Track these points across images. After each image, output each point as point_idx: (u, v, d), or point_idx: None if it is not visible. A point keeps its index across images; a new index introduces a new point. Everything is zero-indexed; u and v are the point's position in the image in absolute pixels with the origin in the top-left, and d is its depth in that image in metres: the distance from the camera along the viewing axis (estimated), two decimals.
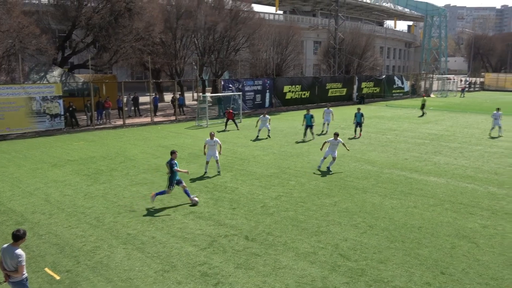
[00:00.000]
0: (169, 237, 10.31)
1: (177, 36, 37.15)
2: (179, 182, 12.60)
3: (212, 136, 15.84)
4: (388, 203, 12.70)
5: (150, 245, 9.86)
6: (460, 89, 62.76)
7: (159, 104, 36.02)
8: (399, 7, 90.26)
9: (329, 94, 43.82)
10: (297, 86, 40.23)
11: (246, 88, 35.48)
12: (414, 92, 56.35)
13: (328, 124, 26.34)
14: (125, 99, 31.63)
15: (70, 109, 27.26)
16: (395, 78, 54.65)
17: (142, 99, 34.95)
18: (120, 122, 29.55)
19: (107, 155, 19.60)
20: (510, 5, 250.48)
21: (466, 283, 8.24)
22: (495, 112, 25.63)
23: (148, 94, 32.03)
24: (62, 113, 26.17)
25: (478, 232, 10.61)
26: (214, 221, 11.34)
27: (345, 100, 45.56)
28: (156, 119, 31.11)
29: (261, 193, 13.74)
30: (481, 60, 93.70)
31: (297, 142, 22.73)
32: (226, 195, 13.53)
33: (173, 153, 12.67)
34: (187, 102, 39.84)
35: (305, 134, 23.73)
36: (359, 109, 25.30)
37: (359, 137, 24.10)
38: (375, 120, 31.90)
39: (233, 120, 27.33)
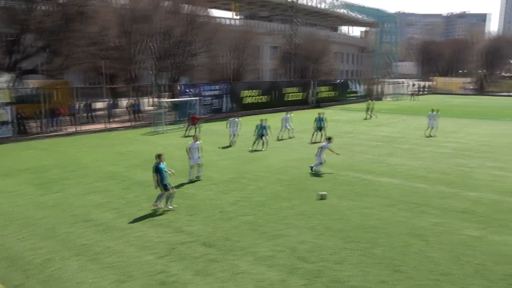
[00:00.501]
0: (126, 246, 10.05)
1: (133, 40, 36.44)
2: (165, 186, 12.41)
3: (329, 139, 16.92)
4: (344, 205, 12.96)
5: (105, 255, 9.58)
6: (410, 93, 65.12)
7: (114, 110, 35.15)
8: (352, 13, 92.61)
9: (287, 99, 44.34)
10: (255, 90, 40.47)
11: (204, 93, 35.31)
12: (368, 96, 57.98)
13: (290, 130, 26.02)
14: (78, 105, 30.65)
15: (18, 116, 26.11)
16: (350, 82, 56.08)
17: (96, 105, 33.97)
18: (72, 129, 28.57)
19: (60, 163, 18.92)
20: (455, 13, 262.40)
21: (418, 279, 8.50)
22: (430, 113, 27.09)
23: (103, 100, 31.21)
24: (10, 120, 25.05)
25: (429, 230, 11.01)
26: (172, 228, 11.18)
27: (302, 104, 46.24)
28: (111, 126, 30.36)
29: (220, 199, 13.68)
30: (430, 64, 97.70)
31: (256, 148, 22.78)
32: (184, 202, 13.37)
33: (159, 156, 12.49)
34: (143, 108, 39.07)
35: (254, 142, 22.29)
36: (319, 113, 25.31)
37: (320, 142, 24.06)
38: (331, 124, 32.35)
39: (195, 126, 26.97)
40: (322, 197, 13.01)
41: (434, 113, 26.93)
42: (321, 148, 16.95)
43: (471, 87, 77.07)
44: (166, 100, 33.45)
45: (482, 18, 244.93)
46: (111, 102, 33.92)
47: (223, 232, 10.88)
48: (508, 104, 52.96)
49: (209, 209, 12.71)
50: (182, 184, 15.36)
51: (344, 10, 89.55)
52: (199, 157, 15.76)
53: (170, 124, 30.71)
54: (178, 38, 38.28)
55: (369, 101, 38.49)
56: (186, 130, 27.30)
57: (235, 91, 38.36)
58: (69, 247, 9.99)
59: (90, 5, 30.05)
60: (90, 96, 34.12)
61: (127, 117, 33.40)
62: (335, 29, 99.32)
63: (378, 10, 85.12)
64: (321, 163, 16.93)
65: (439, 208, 12.65)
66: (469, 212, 12.12)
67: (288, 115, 26.36)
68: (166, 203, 12.56)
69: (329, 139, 17.34)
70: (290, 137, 25.54)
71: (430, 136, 26.24)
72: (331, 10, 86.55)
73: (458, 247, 9.95)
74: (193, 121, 27.11)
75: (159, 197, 12.62)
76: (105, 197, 13.80)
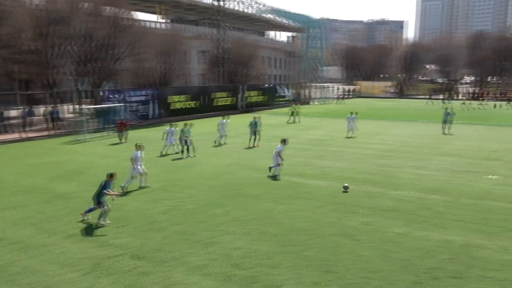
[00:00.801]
0: (46, 264, 9.34)
1: (50, 43, 34.26)
2: (99, 203, 11.73)
3: (284, 142, 16.93)
4: (277, 209, 13.02)
5: (23, 276, 8.82)
6: (336, 97, 67.62)
7: (31, 118, 32.78)
8: (280, 18, 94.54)
9: (216, 104, 44.07)
10: (183, 96, 39.68)
11: (130, 99, 34.02)
12: (297, 100, 59.32)
13: (226, 136, 25.63)
14: None
15: None
16: (279, 87, 57.00)
17: (10, 113, 31.45)
18: None
19: None
20: (376, 19, 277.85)
21: (349, 278, 8.71)
22: (349, 115, 28.55)
23: (17, 107, 28.96)
24: None
25: (359, 229, 11.35)
26: (98, 242, 10.57)
27: (231, 109, 46.18)
28: (27, 135, 28.23)
29: (149, 208, 13.17)
30: (355, 69, 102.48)
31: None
32: (111, 213, 12.66)
33: (111, 175, 11.92)
34: (63, 115, 36.89)
35: (182, 151, 21.55)
36: (254, 117, 25.22)
37: (257, 147, 24.10)
38: (262, 128, 32.77)
39: (123, 132, 25.95)
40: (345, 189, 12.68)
41: (353, 115, 28.51)
42: (278, 151, 16.80)
43: (392, 91, 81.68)
44: (88, 106, 31.75)
45: (400, 25, 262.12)
46: (27, 109, 31.58)
47: (154, 243, 10.47)
48: (425, 106, 56.39)
49: (138, 219, 12.18)
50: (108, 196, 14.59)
51: (271, 15, 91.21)
52: (140, 166, 15.35)
53: (94, 132, 29.23)
54: (100, 42, 36.62)
55: (293, 105, 39.27)
56: (119, 137, 26.17)
57: (162, 96, 37.34)
58: None
59: (1, 5, 27.84)
60: (1, 103, 31.54)
61: (45, 126, 31.27)
62: (263, 34, 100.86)
63: (304, 16, 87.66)
64: (279, 165, 16.82)
65: (367, 208, 13.12)
66: (395, 210, 12.69)
67: (224, 120, 25.81)
68: (99, 219, 11.84)
69: (284, 141, 17.21)
70: (221, 144, 25.20)
71: (351, 137, 27.47)
72: (258, 15, 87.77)
73: (386, 245, 10.34)
74: (121, 127, 26.00)
75: (90, 210, 11.95)
76: (22, 213, 12.77)
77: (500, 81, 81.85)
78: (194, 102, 40.84)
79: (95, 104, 34.35)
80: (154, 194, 14.74)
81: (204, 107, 41.91)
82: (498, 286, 8.43)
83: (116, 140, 26.19)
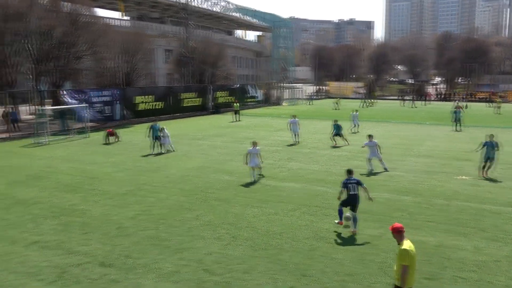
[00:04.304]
0: (7, 273, 8.91)
1: (6, 41, 32.78)
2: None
3: (255, 144, 16.56)
4: (249, 212, 12.80)
5: None
6: (307, 97, 67.86)
7: None
8: (247, 17, 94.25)
9: (184, 104, 43.35)
10: (149, 96, 38.73)
11: (93, 100, 32.94)
12: (267, 100, 59.22)
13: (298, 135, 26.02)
14: None
15: None
16: (248, 87, 56.63)
17: None
18: None
19: None
20: (345, 19, 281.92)
21: (325, 281, 8.64)
22: (352, 113, 30.52)
23: None
24: None
25: (333, 232, 11.28)
26: (63, 249, 10.10)
27: (200, 110, 45.61)
28: None
29: (117, 214, 12.68)
30: (324, 69, 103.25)
31: (154, 156, 21.76)
32: (76, 219, 12.15)
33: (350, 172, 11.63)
34: (22, 117, 35.35)
35: (153, 146, 22.28)
36: (335, 120, 25.57)
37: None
38: (231, 129, 32.51)
39: (110, 137, 25.76)
40: (347, 219, 11.36)
41: (356, 113, 30.74)
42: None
43: (362, 91, 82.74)
44: (49, 107, 30.54)
45: (368, 25, 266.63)
46: None
47: (122, 250, 10.10)
48: (394, 107, 57.59)
49: (105, 225, 11.70)
50: (71, 201, 14.04)
51: (238, 14, 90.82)
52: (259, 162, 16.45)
53: (55, 134, 28.10)
54: (59, 39, 35.33)
55: (236, 103, 40.93)
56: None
57: (127, 97, 36.34)
58: None
59: None
60: None
61: (2, 128, 29.83)
62: (230, 33, 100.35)
63: (272, 15, 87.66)
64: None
65: None
66: (368, 212, 12.69)
67: (296, 119, 26.15)
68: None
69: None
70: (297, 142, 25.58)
71: (356, 132, 29.60)
72: (224, 13, 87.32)
73: (361, 247, 10.30)
74: (111, 135, 25.83)
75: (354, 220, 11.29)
76: None
77: (470, 82, 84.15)
78: (160, 102, 40.00)
79: (55, 105, 33.12)
80: (121, 199, 14.23)
81: (171, 108, 41.12)
82: (474, 287, 8.51)
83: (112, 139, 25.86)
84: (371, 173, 17.84)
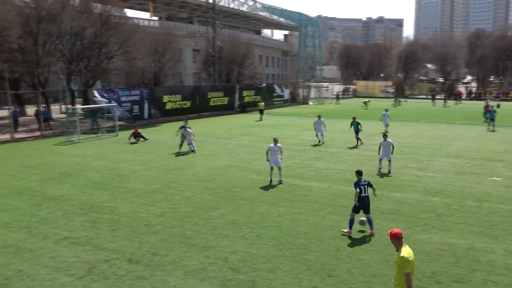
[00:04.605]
0: (39, 268, 9.12)
1: (39, 42, 33.73)
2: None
3: (276, 141, 15.92)
4: (274, 211, 12.79)
5: (16, 279, 8.63)
6: (334, 96, 67.15)
7: (21, 119, 32.24)
8: (274, 16, 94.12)
9: (211, 104, 43.62)
10: (177, 95, 39.20)
11: (122, 99, 33.56)
12: (293, 100, 58.86)
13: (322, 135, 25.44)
14: None
15: None
16: (275, 86, 56.34)
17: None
18: None
19: None
20: (374, 17, 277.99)
21: (351, 282, 8.54)
22: (383, 112, 30.21)
23: (6, 107, 28.39)
24: None
25: (359, 232, 11.13)
26: (92, 245, 10.31)
27: (227, 109, 45.79)
28: (17, 136, 27.67)
29: (144, 211, 12.89)
30: (352, 68, 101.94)
31: (181, 155, 22.01)
32: (104, 216, 12.42)
33: (360, 173, 11.51)
34: (54, 115, 36.36)
35: (180, 145, 22.64)
36: (353, 119, 25.07)
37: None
38: (258, 129, 32.54)
39: (136, 138, 25.89)
40: (363, 223, 11.24)
41: (387, 112, 30.26)
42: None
43: (392, 90, 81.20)
44: (80, 106, 31.29)
45: (398, 23, 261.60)
46: (17, 109, 31.03)
47: (149, 247, 10.24)
48: (424, 106, 56.33)
49: (133, 222, 11.90)
50: (100, 198, 14.37)
51: (266, 13, 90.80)
52: (279, 160, 15.92)
53: (85, 132, 28.77)
54: (90, 40, 36.12)
55: (261, 103, 41.13)
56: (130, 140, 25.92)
57: (156, 96, 36.87)
58: None
59: None
60: None
61: (35, 126, 30.74)
62: (258, 32, 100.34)
63: (299, 14, 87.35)
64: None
65: None
66: (396, 212, 12.49)
67: (322, 119, 25.38)
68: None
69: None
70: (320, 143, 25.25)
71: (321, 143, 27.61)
72: (252, 13, 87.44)
73: (387, 248, 10.12)
74: (136, 135, 25.92)
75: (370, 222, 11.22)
76: (13, 216, 12.46)
77: (503, 81, 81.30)
78: (187, 102, 40.40)
79: (86, 104, 33.89)
80: (148, 196, 14.45)
81: (198, 107, 41.42)
82: None
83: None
84: (401, 173, 17.54)
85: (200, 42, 60.16)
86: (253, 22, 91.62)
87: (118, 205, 13.47)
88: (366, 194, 11.03)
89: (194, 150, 22.37)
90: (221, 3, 57.70)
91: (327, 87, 70.67)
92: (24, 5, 33.96)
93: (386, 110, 31.18)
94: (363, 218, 11.10)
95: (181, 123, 23.62)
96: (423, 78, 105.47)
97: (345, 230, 11.12)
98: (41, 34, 33.48)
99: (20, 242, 10.53)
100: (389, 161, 17.85)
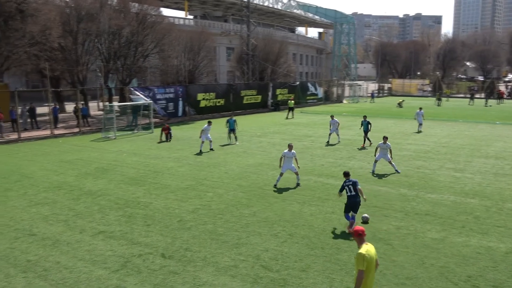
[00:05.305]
0: (76, 261, 9.40)
1: (78, 40, 34.75)
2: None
3: (290, 147, 15.32)
4: (307, 210, 12.71)
5: (54, 271, 8.91)
6: (370, 95, 66.07)
7: (60, 115, 33.33)
8: (309, 14, 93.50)
9: (244, 102, 43.74)
10: (211, 93, 39.57)
11: (158, 96, 34.19)
12: (327, 98, 58.24)
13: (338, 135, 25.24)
14: (19, 110, 28.74)
15: None
16: (309, 84, 55.79)
17: (40, 109, 32.09)
18: (14, 136, 26.73)
19: (1, 173, 17.56)
20: (411, 14, 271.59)
21: (384, 284, 8.39)
22: (417, 111, 29.58)
23: (47, 104, 29.46)
24: None
25: (393, 233, 10.93)
26: (126, 240, 10.54)
27: (260, 107, 45.85)
28: (56, 132, 28.65)
29: (177, 207, 13.08)
30: (388, 66, 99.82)
31: (213, 152, 22.23)
32: (139, 211, 12.68)
33: (347, 174, 11.70)
34: (92, 112, 37.42)
35: (229, 137, 24.66)
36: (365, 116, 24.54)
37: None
38: (291, 127, 32.43)
39: (167, 135, 25.80)
40: (364, 220, 11.57)
41: (421, 111, 29.71)
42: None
43: (429, 89, 79.13)
44: (117, 104, 32.03)
45: (437, 20, 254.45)
46: (57, 106, 32.07)
47: (182, 242, 10.38)
48: (462, 105, 54.62)
49: (166, 218, 12.10)
50: (135, 193, 14.67)
51: (300, 11, 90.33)
52: (293, 165, 15.33)
53: (122, 129, 29.46)
54: (128, 38, 36.92)
55: (291, 101, 41.15)
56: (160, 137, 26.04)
57: (190, 94, 37.36)
58: (14, 264, 9.28)
59: (31, 2, 28.22)
60: (32, 100, 32.18)
61: (74, 123, 31.75)
62: (292, 30, 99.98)
63: (335, 11, 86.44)
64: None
65: (401, 211, 12.63)
66: (431, 214, 12.17)
67: (335, 119, 25.21)
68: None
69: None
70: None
71: (419, 132, 28.82)
72: (286, 10, 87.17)
73: (422, 250, 9.91)
74: (165, 131, 25.92)
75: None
76: (52, 209, 12.90)
77: None
78: (221, 100, 40.70)
79: (121, 101, 34.65)
80: (182, 193, 14.65)
81: (232, 105, 41.56)
82: None
83: (157, 138, 26.12)
84: (437, 174, 17.08)
85: (234, 40, 60.51)
86: (288, 20, 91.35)
87: (152, 201, 13.72)
88: (352, 193, 11.11)
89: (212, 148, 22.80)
90: (256, 1, 57.72)
91: (361, 85, 69.48)
92: (64, 5, 35.06)
93: (420, 108, 30.40)
94: (366, 215, 11.32)
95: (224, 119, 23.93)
96: (462, 76, 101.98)
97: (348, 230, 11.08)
98: (81, 33, 34.48)
99: (58, 235, 10.89)
100: (390, 162, 17.30)
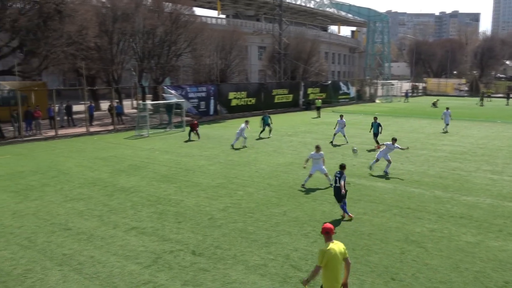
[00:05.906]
0: (109, 255, 9.61)
1: (114, 40, 35.59)
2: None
3: (318, 149, 15.07)
4: (338, 211, 12.55)
5: (88, 265, 9.15)
6: (404, 94, 64.64)
7: (95, 113, 34.22)
8: (342, 12, 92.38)
9: (276, 101, 43.69)
10: (242, 92, 39.74)
11: (190, 95, 34.61)
12: (360, 97, 57.43)
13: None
14: (57, 108, 29.67)
15: None
16: (341, 83, 55.20)
17: (76, 107, 33.06)
18: (51, 133, 27.66)
19: (38, 169, 18.19)
20: (447, 12, 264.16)
21: (416, 287, 8.17)
22: (444, 111, 29.09)
23: (83, 102, 30.29)
24: None
25: (426, 236, 10.67)
26: (158, 236, 10.70)
27: (291, 106, 45.68)
28: (92, 129, 29.50)
29: (208, 205, 13.19)
30: (422, 65, 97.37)
31: (243, 151, 22.30)
32: (170, 208, 12.86)
33: (343, 167, 12.38)
34: (126, 111, 38.22)
35: (262, 132, 26.16)
36: (375, 118, 23.87)
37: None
38: (322, 127, 32.15)
39: (195, 130, 25.81)
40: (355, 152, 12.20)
41: (448, 111, 29.23)
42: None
43: (466, 89, 76.80)
44: (150, 102, 32.62)
45: (474, 18, 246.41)
46: (92, 104, 32.91)
47: (212, 240, 10.45)
48: (501, 106, 52.72)
49: (197, 216, 12.21)
50: (167, 191, 14.89)
51: (333, 10, 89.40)
52: (323, 166, 15.14)
53: (155, 127, 29.96)
54: (161, 38, 37.52)
55: (319, 100, 40.46)
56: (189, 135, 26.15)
57: (222, 93, 37.65)
58: (51, 257, 9.57)
59: (68, 3, 29.03)
60: (69, 98, 33.18)
61: (109, 120, 32.54)
62: (325, 29, 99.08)
63: (368, 9, 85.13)
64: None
65: (435, 213, 12.31)
66: (466, 217, 11.82)
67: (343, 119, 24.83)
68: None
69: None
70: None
71: (446, 132, 28.37)
72: (319, 9, 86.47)
73: (457, 254, 9.63)
74: (193, 126, 25.93)
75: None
76: (86, 205, 13.26)
77: None
78: (252, 99, 40.76)
79: (155, 100, 35.26)
80: (212, 191, 14.77)
81: (263, 104, 41.55)
82: None
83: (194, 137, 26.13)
84: (473, 176, 16.55)
85: (266, 39, 60.47)
86: (320, 18, 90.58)
87: (183, 198, 13.88)
88: (337, 185, 11.86)
89: (245, 145, 23.50)
90: (288, 0, 57.43)
91: (395, 84, 68.10)
92: (101, 5, 35.96)
93: (448, 108, 29.57)
94: (355, 148, 12.68)
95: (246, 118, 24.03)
96: (501, 75, 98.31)
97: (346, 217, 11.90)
98: (116, 33, 35.28)
99: (92, 230, 11.17)
100: (388, 161, 16.91)
